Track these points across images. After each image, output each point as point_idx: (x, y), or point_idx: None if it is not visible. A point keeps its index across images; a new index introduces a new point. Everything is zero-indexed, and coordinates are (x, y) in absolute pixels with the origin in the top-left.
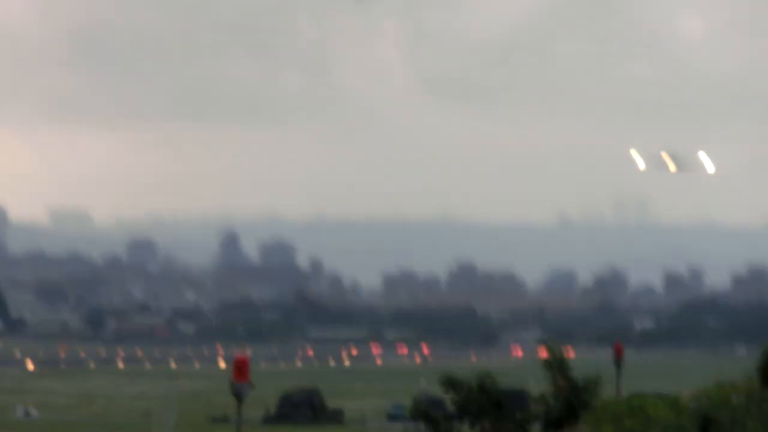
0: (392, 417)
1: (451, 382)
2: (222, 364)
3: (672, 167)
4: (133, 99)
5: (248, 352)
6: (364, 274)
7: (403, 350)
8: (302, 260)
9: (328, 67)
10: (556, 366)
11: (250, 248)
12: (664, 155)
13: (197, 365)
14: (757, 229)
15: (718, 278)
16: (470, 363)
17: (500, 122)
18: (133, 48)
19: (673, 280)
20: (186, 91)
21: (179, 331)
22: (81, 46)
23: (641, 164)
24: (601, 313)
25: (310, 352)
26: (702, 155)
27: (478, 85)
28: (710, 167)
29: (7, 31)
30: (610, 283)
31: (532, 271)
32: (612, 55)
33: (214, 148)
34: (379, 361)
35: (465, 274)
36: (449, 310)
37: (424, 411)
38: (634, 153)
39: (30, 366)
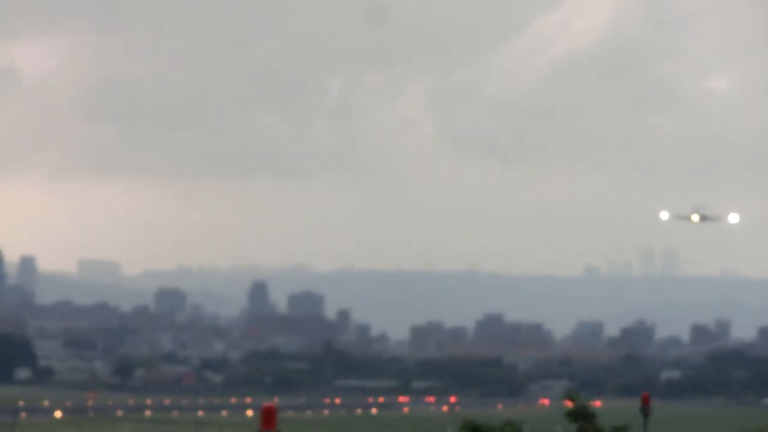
0: None
1: (474, 429)
2: (249, 413)
3: (695, 219)
4: (162, 152)
5: (276, 401)
6: (392, 324)
7: (431, 400)
8: (330, 311)
9: (355, 122)
10: (582, 415)
11: (279, 298)
12: (693, 214)
13: (225, 414)
14: None
15: (744, 329)
16: (497, 412)
17: (526, 177)
18: (162, 102)
19: (699, 331)
20: (215, 144)
21: (207, 381)
22: (111, 100)
23: (665, 216)
24: (628, 364)
25: (338, 402)
26: (727, 211)
27: (504, 140)
28: (734, 218)
29: (38, 83)
30: (637, 333)
31: (559, 322)
32: (636, 111)
33: (241, 200)
34: (406, 410)
35: (492, 325)
36: (476, 361)
37: None
38: (662, 213)
39: (58, 414)
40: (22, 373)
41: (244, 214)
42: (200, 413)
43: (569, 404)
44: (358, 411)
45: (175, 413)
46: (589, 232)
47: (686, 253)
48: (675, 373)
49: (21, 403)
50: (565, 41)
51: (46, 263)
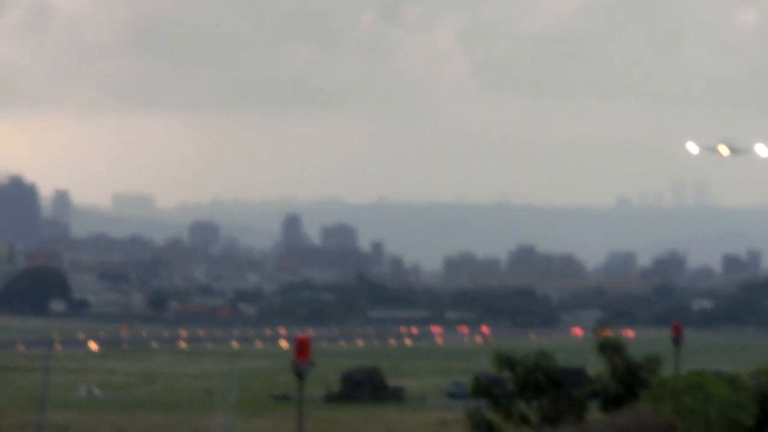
0: (453, 395)
1: (506, 360)
2: (283, 344)
3: (725, 152)
4: (195, 86)
5: (309, 333)
6: (425, 256)
7: (464, 330)
8: (363, 242)
9: (387, 55)
10: (612, 346)
11: (312, 231)
12: (720, 145)
13: (259, 345)
14: None
15: None
16: (530, 343)
17: (557, 109)
18: (193, 36)
19: (731, 262)
20: (246, 77)
21: (241, 313)
22: (143, 36)
23: (694, 149)
24: (659, 294)
25: (371, 332)
26: (757, 144)
27: (534, 73)
28: (763, 150)
29: (71, 20)
30: (669, 264)
31: (591, 253)
32: (666, 43)
33: (274, 133)
34: (439, 341)
35: (524, 256)
36: (509, 291)
37: (485, 388)
38: (689, 144)
39: (93, 346)
40: (57, 305)
41: (277, 146)
42: (234, 344)
43: (601, 334)
44: (392, 341)
45: (209, 345)
46: (620, 164)
47: (717, 184)
48: (707, 303)
49: (56, 335)
50: None
51: (80, 197)
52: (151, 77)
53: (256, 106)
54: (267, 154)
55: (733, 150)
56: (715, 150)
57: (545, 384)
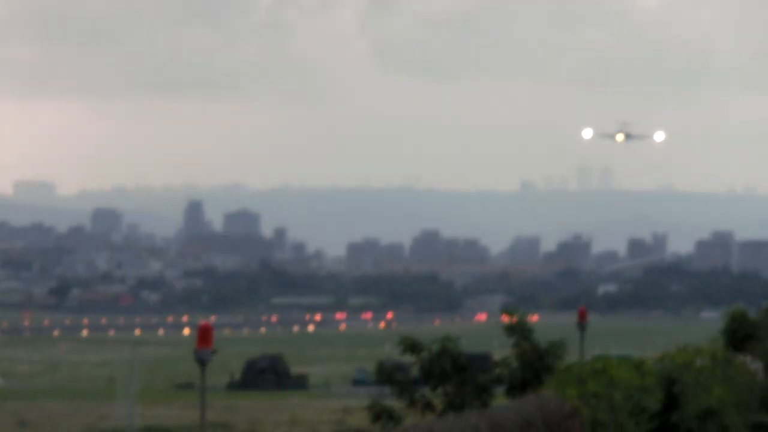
0: (357, 382)
1: (412, 346)
2: (186, 332)
3: (620, 138)
4: (94, 71)
5: (212, 319)
6: (328, 242)
7: (368, 316)
8: (266, 229)
9: (286, 39)
10: (518, 330)
11: (215, 217)
12: (617, 133)
13: (161, 333)
14: (720, 195)
15: (681, 244)
16: (434, 328)
17: (460, 92)
18: (88, 19)
19: (636, 245)
20: (144, 62)
21: (143, 300)
22: (41, 20)
23: (588, 134)
24: (564, 278)
25: (274, 319)
26: (657, 126)
27: (436, 55)
28: (660, 136)
29: None
30: (574, 248)
31: (496, 238)
32: (569, 24)
33: (174, 118)
34: (343, 327)
35: (429, 241)
36: (413, 277)
37: (389, 375)
38: (585, 131)
39: None
40: None
41: (178, 132)
42: (137, 332)
43: (506, 319)
44: (295, 328)
45: (111, 332)
46: (524, 147)
47: (622, 167)
48: (612, 287)
49: None
50: None
51: None
52: (47, 62)
53: (157, 90)
54: (168, 139)
55: (629, 136)
56: (611, 136)
57: (450, 370)
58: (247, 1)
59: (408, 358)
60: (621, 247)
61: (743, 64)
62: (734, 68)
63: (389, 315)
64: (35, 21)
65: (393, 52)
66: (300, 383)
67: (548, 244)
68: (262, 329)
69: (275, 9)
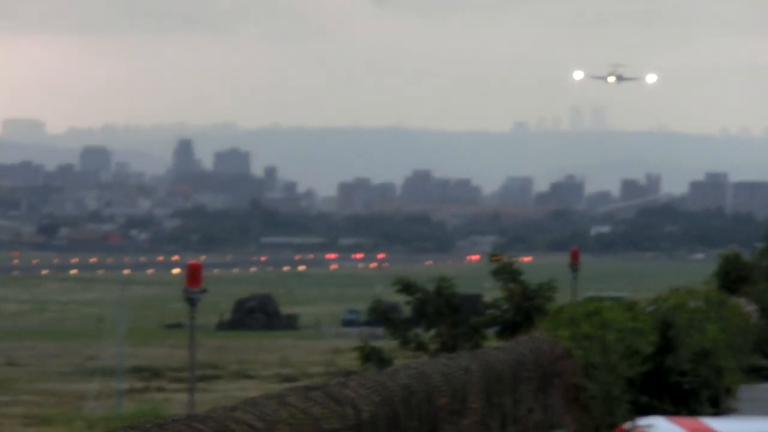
0: (347, 322)
1: (406, 286)
2: (176, 271)
3: (612, 80)
4: (83, 8)
5: (202, 259)
6: (319, 181)
7: (359, 256)
8: (256, 168)
9: None
10: (508, 271)
11: (205, 156)
12: (609, 76)
13: (151, 272)
14: (715, 136)
15: (675, 185)
16: (426, 269)
17: (451, 31)
18: None
19: (629, 186)
20: (135, 1)
21: (133, 239)
22: None
23: (579, 76)
24: (557, 219)
25: (264, 259)
26: (648, 75)
27: None
28: (651, 78)
29: None
30: (566, 189)
31: (487, 178)
32: None
33: (166, 58)
34: (333, 267)
35: (420, 181)
36: (404, 217)
37: (383, 314)
38: (576, 72)
39: None
40: None
41: (168, 71)
42: (126, 271)
43: (495, 261)
44: (286, 268)
45: (100, 272)
46: (518, 88)
47: (616, 108)
48: (605, 228)
49: None
50: None
51: None
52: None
53: (146, 28)
54: (157, 78)
55: (621, 78)
56: (603, 78)
57: (444, 310)
58: None
59: (400, 298)
60: (614, 188)
61: (738, 4)
62: (729, 8)
63: (380, 255)
64: None
65: None
66: (290, 323)
67: (541, 185)
68: (252, 269)
69: None
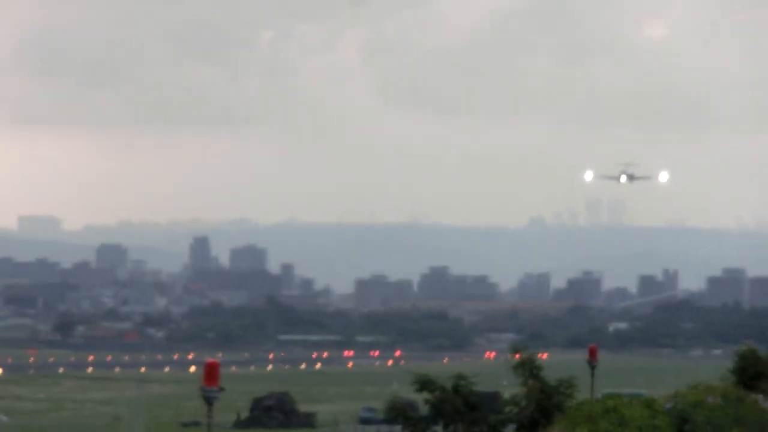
0: (364, 420)
1: (424, 383)
2: (192, 369)
3: (623, 179)
4: (98, 106)
5: (218, 357)
6: (336, 278)
7: (375, 354)
8: (273, 265)
9: (290, 74)
10: (528, 367)
11: (221, 253)
12: (620, 174)
13: (167, 370)
14: (732, 231)
15: (692, 280)
16: (443, 366)
17: (466, 127)
18: (92, 54)
19: (646, 282)
20: (148, 97)
21: (149, 337)
22: (40, 53)
23: (589, 176)
24: (574, 316)
25: (282, 356)
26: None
27: (441, 91)
28: (664, 177)
29: None
30: (584, 285)
31: (505, 274)
32: (574, 59)
33: (182, 154)
34: (350, 365)
35: (437, 278)
36: (421, 314)
37: (401, 411)
38: (587, 173)
39: None
40: None
41: (184, 167)
42: (143, 369)
43: (515, 357)
44: (303, 366)
45: (117, 370)
46: (533, 183)
47: (632, 203)
48: (622, 325)
49: None
50: None
51: None
52: (51, 97)
53: (161, 125)
54: (174, 174)
55: (633, 178)
56: (615, 178)
57: (462, 408)
58: (248, 37)
59: (417, 396)
60: (631, 284)
61: (753, 99)
62: (743, 103)
63: (397, 353)
64: (37, 55)
65: (396, 87)
66: (307, 421)
67: (558, 281)
68: (269, 367)
69: (277, 45)
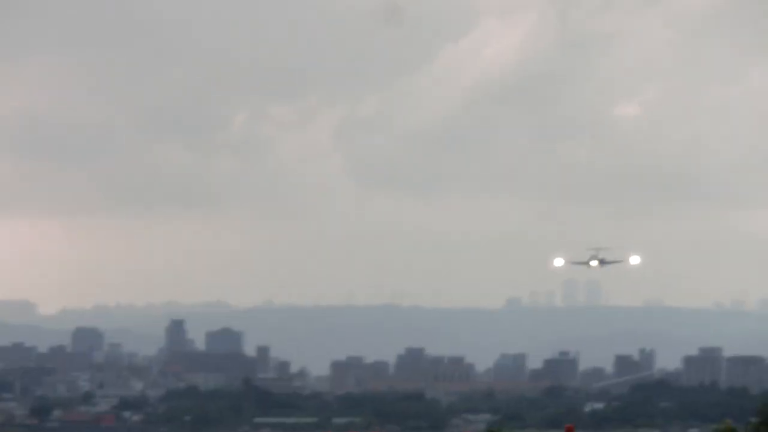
0: None
1: None
2: None
3: (594, 264)
4: (70, 188)
5: None
6: (312, 360)
7: None
8: (249, 347)
9: (264, 154)
10: None
11: (197, 335)
12: (591, 260)
13: None
14: (709, 310)
15: (668, 360)
16: None
17: (442, 207)
18: (66, 136)
19: (623, 362)
20: (121, 179)
21: (125, 420)
22: (12, 134)
23: (559, 263)
24: (551, 396)
25: None
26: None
27: (417, 170)
28: (635, 260)
29: None
30: (560, 365)
31: (481, 355)
32: (550, 138)
33: (154, 236)
34: None
35: (413, 359)
36: (398, 395)
37: None
38: (557, 260)
39: None
40: None
41: (158, 249)
42: None
43: None
44: None
45: None
46: (510, 264)
47: (609, 283)
48: (599, 405)
49: None
50: (476, 68)
51: None
52: (19, 178)
53: (134, 207)
54: (148, 257)
55: (604, 262)
56: (585, 263)
57: None
58: (220, 117)
59: None
60: (608, 364)
61: (728, 176)
62: (719, 181)
63: None
64: (2, 137)
65: (371, 167)
66: None
67: (535, 362)
68: None
69: (250, 125)
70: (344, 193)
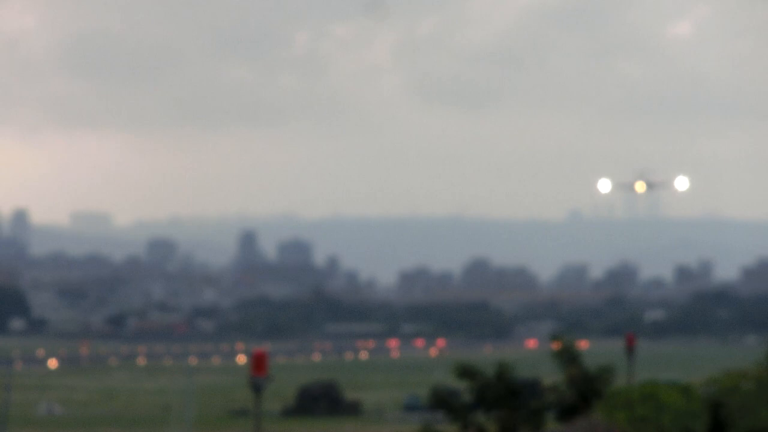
0: (409, 408)
1: (467, 371)
2: (241, 360)
3: (641, 189)
4: (141, 106)
5: (266, 347)
6: (380, 270)
7: (419, 343)
8: (319, 258)
9: (326, 72)
10: (567, 356)
11: (268, 246)
12: (637, 182)
13: (216, 361)
14: (766, 222)
15: (727, 270)
16: (485, 355)
17: (501, 123)
18: (136, 55)
19: (682, 272)
20: (191, 95)
21: (198, 329)
22: (84, 54)
23: (606, 188)
24: (612, 305)
25: (328, 347)
26: (678, 178)
27: (475, 87)
28: (681, 183)
29: (9, 38)
30: (621, 275)
31: (544, 265)
32: (604, 56)
33: (224, 150)
34: (395, 354)
35: (478, 269)
36: (463, 304)
37: (443, 400)
38: (601, 182)
39: (53, 364)
40: (17, 323)
41: (227, 163)
42: (192, 360)
43: (556, 346)
44: (348, 355)
45: (167, 360)
46: (570, 177)
47: (669, 194)
48: (659, 314)
49: (16, 353)
50: None
51: (38, 216)
52: (94, 96)
53: (203, 121)
54: (220, 170)
55: (650, 185)
56: (631, 186)
57: (504, 395)
58: (283, 35)
59: (460, 384)
60: (668, 274)
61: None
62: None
63: (441, 342)
64: (78, 57)
65: (430, 85)
66: (353, 409)
67: (596, 272)
68: (316, 356)
69: (312, 43)
70: (403, 109)
